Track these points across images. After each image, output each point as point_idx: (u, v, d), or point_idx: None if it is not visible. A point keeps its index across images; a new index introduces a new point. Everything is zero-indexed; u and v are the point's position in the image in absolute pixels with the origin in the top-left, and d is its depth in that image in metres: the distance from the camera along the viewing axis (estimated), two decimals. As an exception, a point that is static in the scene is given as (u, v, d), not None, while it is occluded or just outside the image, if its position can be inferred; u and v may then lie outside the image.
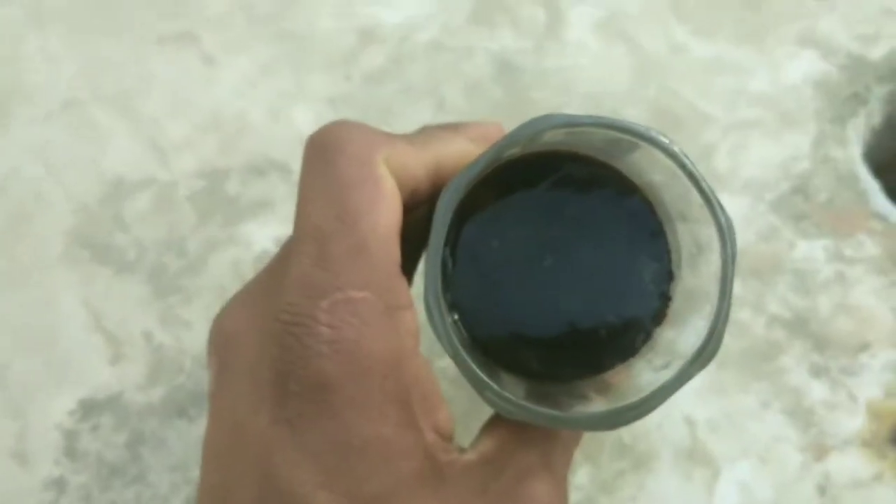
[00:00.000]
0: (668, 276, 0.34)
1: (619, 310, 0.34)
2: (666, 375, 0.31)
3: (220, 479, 0.26)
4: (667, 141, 0.30)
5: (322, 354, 0.25)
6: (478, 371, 0.29)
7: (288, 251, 0.28)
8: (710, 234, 0.32)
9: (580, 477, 0.53)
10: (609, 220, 0.33)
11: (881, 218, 0.62)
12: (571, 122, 0.29)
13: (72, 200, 0.59)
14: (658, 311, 0.34)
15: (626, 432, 0.54)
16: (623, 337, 0.33)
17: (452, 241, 0.31)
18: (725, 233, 0.31)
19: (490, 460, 0.29)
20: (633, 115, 0.68)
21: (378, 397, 0.26)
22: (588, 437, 0.54)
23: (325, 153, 0.28)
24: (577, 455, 0.53)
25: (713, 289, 0.32)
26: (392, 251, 0.27)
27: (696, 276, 0.33)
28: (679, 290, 0.34)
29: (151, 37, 0.66)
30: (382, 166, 0.28)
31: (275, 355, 0.25)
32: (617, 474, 0.53)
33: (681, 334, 0.33)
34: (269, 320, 0.26)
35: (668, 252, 0.34)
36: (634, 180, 0.33)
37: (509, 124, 0.31)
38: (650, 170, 0.32)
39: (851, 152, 0.67)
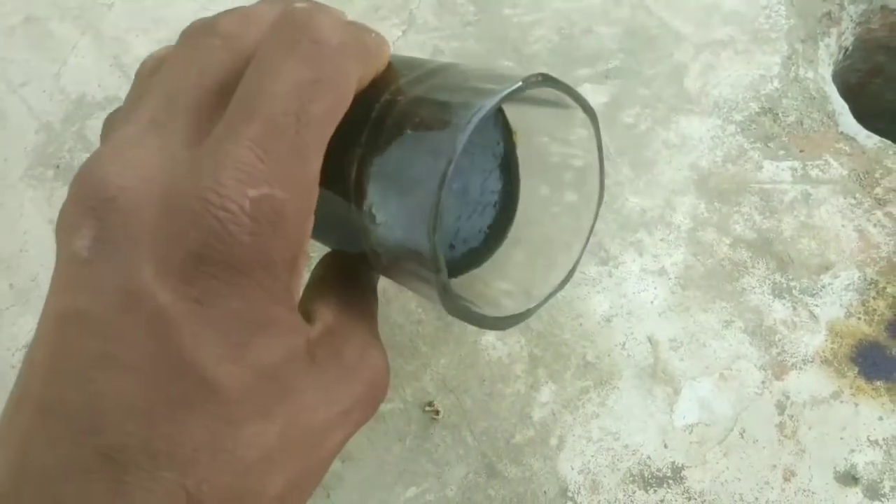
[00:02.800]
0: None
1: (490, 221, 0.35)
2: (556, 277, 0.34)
3: (101, 346, 0.24)
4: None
5: (243, 244, 0.25)
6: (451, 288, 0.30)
7: (227, 127, 0.26)
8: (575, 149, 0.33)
9: (544, 395, 0.52)
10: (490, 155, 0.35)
11: (849, 139, 0.61)
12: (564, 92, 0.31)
13: (34, 119, 0.57)
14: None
15: (590, 351, 0.53)
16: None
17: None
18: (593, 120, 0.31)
19: (333, 331, 0.30)
20: (607, 33, 0.66)
21: (280, 285, 0.27)
22: (553, 357, 0.53)
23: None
24: (542, 373, 0.53)
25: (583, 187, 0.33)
26: (320, 159, 0.28)
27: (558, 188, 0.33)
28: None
29: (113, -50, 0.62)
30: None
31: (190, 235, 0.25)
32: (580, 392, 0.52)
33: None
34: (186, 196, 0.25)
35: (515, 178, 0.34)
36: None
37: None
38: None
39: (822, 72, 0.64)
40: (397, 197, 0.29)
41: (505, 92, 0.28)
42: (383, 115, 0.30)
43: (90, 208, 0.26)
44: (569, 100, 0.31)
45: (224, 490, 0.25)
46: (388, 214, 0.29)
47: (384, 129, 0.29)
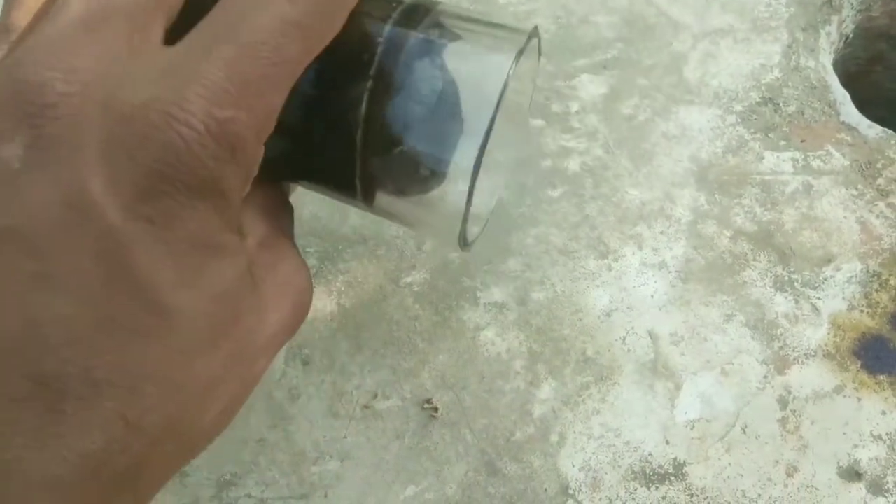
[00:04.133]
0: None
1: None
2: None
3: (37, 266, 0.22)
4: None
5: (205, 167, 0.23)
6: None
7: (196, 44, 0.24)
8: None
9: (544, 391, 0.51)
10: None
11: (850, 129, 0.59)
12: None
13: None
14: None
15: (590, 346, 0.52)
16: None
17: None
18: None
19: (265, 247, 0.29)
20: (604, 22, 0.64)
21: (232, 211, 0.25)
22: (552, 352, 0.52)
23: None
24: (541, 369, 0.51)
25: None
26: (285, 95, 0.26)
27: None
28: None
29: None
30: None
31: (148, 150, 0.22)
32: (581, 388, 0.51)
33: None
34: (143, 108, 0.23)
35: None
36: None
37: None
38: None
39: (823, 61, 0.63)
40: (430, 125, 0.28)
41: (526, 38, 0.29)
42: (396, 47, 0.29)
43: (25, 115, 0.23)
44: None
45: (164, 420, 0.24)
46: (415, 140, 0.28)
47: (403, 62, 0.28)
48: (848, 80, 0.74)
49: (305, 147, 0.29)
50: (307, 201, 0.58)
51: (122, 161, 0.22)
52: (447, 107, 0.29)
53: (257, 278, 0.27)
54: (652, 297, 0.54)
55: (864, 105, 0.72)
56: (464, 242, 0.31)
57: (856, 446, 0.49)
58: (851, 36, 0.70)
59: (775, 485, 0.48)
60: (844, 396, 0.50)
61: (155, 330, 0.23)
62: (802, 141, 0.59)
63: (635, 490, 0.48)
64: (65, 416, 0.22)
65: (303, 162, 0.30)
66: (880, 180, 0.57)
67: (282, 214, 0.30)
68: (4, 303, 0.22)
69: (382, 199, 0.31)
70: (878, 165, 0.58)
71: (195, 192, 0.23)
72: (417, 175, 0.30)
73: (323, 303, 0.54)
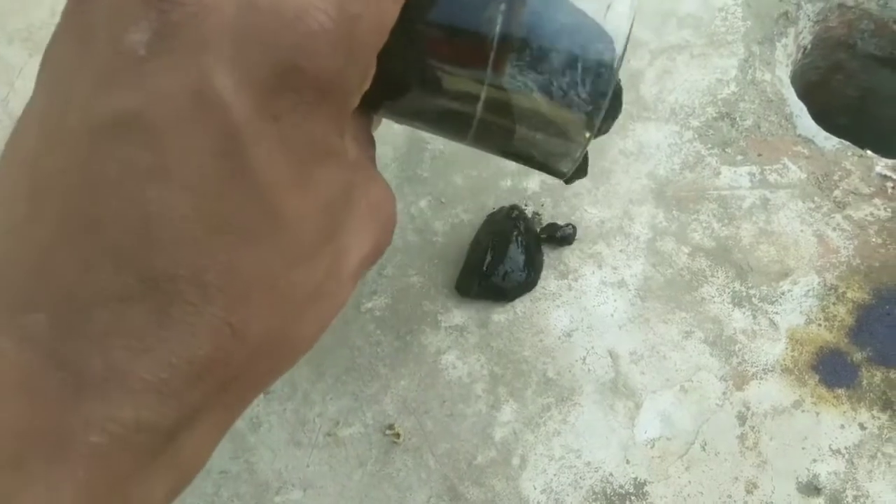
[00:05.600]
0: None
1: None
2: None
3: (155, 158, 0.21)
4: None
5: (335, 65, 0.22)
6: None
7: None
8: None
9: (505, 413, 0.51)
10: None
11: (807, 141, 0.59)
12: None
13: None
14: None
15: (550, 367, 0.52)
16: None
17: None
18: None
19: (360, 168, 0.28)
20: (561, 41, 0.64)
21: (346, 115, 0.24)
22: (513, 374, 0.52)
23: None
24: (502, 392, 0.51)
25: None
26: (400, 5, 0.26)
27: None
28: None
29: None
30: None
31: (282, 45, 0.21)
32: (542, 409, 0.51)
33: None
34: (278, 2, 0.21)
35: None
36: None
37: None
38: None
39: (779, 74, 0.63)
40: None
41: None
42: None
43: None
44: None
45: (267, 331, 0.23)
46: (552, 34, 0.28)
47: None
48: (809, 90, 0.74)
49: (415, 64, 0.28)
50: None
51: (252, 55, 0.21)
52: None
53: (352, 197, 0.26)
54: (612, 315, 0.54)
55: (826, 113, 0.72)
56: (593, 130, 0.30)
57: (815, 461, 0.49)
58: (809, 47, 0.70)
59: (735, 502, 0.48)
60: (803, 411, 0.50)
61: (266, 234, 0.22)
62: (759, 155, 0.59)
63: (596, 511, 0.48)
64: (172, 320, 0.21)
65: (408, 81, 0.28)
66: (837, 192, 0.57)
67: (370, 145, 0.29)
68: (119, 195, 0.21)
69: (519, 97, 0.30)
70: (835, 177, 0.58)
71: (320, 92, 0.22)
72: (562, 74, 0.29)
73: (285, 330, 0.54)
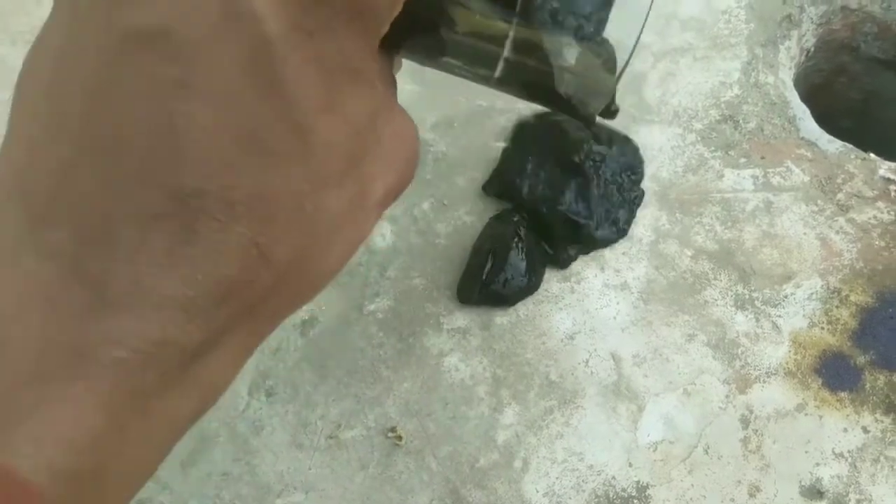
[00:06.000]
0: None
1: None
2: None
3: (183, 73, 0.20)
4: None
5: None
6: None
7: None
8: None
9: (508, 416, 0.51)
10: None
11: (810, 144, 0.59)
12: None
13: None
14: None
15: (553, 370, 0.52)
16: None
17: None
18: None
19: (385, 96, 0.27)
20: (564, 44, 0.64)
21: (376, 35, 0.24)
22: (516, 377, 0.52)
23: None
24: (505, 394, 0.51)
25: None
26: None
27: None
28: None
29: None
30: None
31: None
32: (544, 412, 0.51)
33: None
34: None
35: None
36: None
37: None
38: None
39: (783, 77, 0.63)
40: None
41: None
42: None
43: None
44: None
45: (293, 255, 0.23)
46: None
47: None
48: (812, 92, 0.74)
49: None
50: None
51: None
52: None
53: (378, 125, 0.25)
54: (615, 318, 0.54)
55: (830, 116, 0.72)
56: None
57: (817, 465, 0.48)
58: (813, 49, 0.70)
59: (738, 505, 0.47)
60: (806, 414, 0.50)
61: (295, 153, 0.22)
62: (762, 158, 0.58)
63: (598, 514, 0.48)
64: (198, 238, 0.21)
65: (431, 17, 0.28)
66: (840, 195, 0.57)
67: (393, 84, 0.29)
68: (145, 110, 0.20)
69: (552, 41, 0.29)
70: (838, 180, 0.58)
71: (354, 10, 0.22)
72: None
73: (286, 332, 0.54)
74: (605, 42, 0.29)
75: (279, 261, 0.23)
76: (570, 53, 0.29)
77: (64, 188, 0.21)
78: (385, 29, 0.24)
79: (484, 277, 0.52)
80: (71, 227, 0.21)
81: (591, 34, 0.28)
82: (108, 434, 0.21)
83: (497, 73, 0.30)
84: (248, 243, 0.22)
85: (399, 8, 0.24)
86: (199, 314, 0.22)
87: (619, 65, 0.30)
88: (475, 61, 0.30)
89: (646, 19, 0.29)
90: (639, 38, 0.29)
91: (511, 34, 0.28)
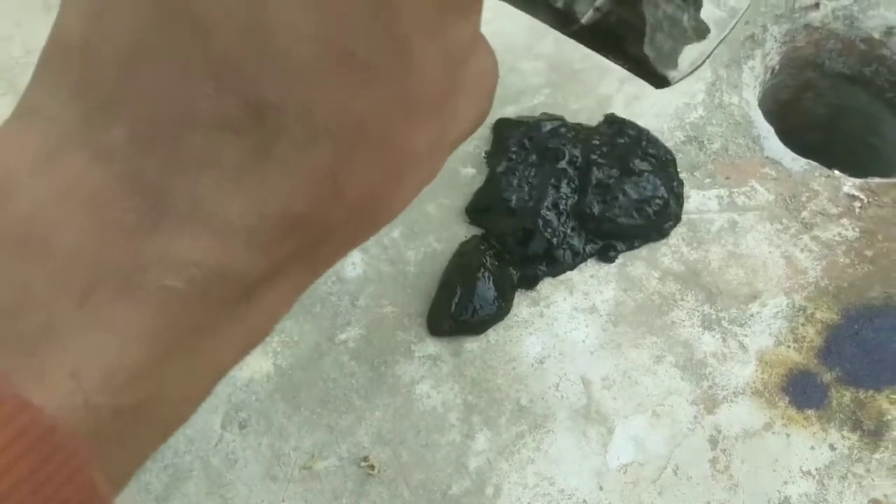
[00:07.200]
0: None
1: None
2: None
3: None
4: None
5: None
6: None
7: None
8: None
9: (480, 442, 0.51)
10: None
11: (774, 163, 0.60)
12: None
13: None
14: None
15: (524, 395, 0.52)
16: None
17: None
18: None
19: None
20: (530, 68, 0.65)
21: None
22: (487, 403, 0.52)
23: None
24: (476, 420, 0.51)
25: None
26: None
27: None
28: None
29: None
30: None
31: None
32: (516, 437, 0.51)
33: None
34: None
35: None
36: None
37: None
38: None
39: (746, 96, 0.64)
40: None
41: None
42: None
43: None
44: None
45: (369, 189, 0.21)
46: None
47: None
48: (780, 108, 0.75)
49: None
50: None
51: None
52: None
53: (470, 57, 0.23)
54: (584, 341, 0.54)
55: (798, 131, 0.73)
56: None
57: (786, 483, 0.49)
58: (778, 67, 0.70)
59: (707, 526, 0.48)
60: (773, 433, 0.50)
61: (392, 76, 0.19)
62: (727, 178, 0.59)
63: (570, 539, 0.48)
64: (272, 161, 0.19)
65: None
66: (805, 213, 0.57)
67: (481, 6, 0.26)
68: (223, 2, 0.17)
69: None
70: (803, 198, 0.58)
71: None
72: None
73: (259, 363, 0.54)
74: (699, 5, 0.27)
75: (353, 197, 0.20)
76: (668, 14, 0.27)
77: (131, 73, 0.18)
78: None
79: (452, 310, 0.53)
80: (131, 124, 0.18)
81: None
82: (151, 371, 0.19)
83: (584, 20, 0.28)
84: (326, 174, 0.19)
85: None
86: (261, 246, 0.19)
87: (721, 33, 0.28)
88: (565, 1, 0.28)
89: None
90: (746, 9, 0.27)
91: None
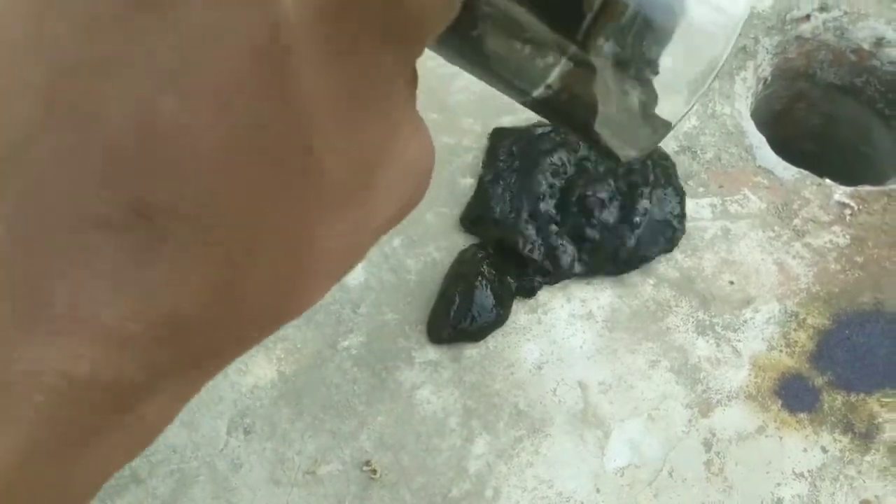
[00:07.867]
0: None
1: None
2: None
3: (177, 49, 0.16)
4: None
5: None
6: None
7: None
8: None
9: (479, 446, 0.52)
10: None
11: (766, 171, 0.61)
12: None
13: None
14: None
15: (522, 400, 0.53)
16: None
17: None
18: None
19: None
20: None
21: (415, 55, 0.19)
22: (486, 408, 0.53)
23: None
24: (476, 425, 0.53)
25: None
26: None
27: None
28: None
29: None
30: None
31: None
32: (514, 441, 0.52)
33: None
34: None
35: None
36: None
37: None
38: None
39: (738, 107, 0.65)
40: None
41: None
42: None
43: None
44: None
45: (271, 293, 0.19)
46: None
47: None
48: (774, 118, 0.76)
49: None
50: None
51: None
52: None
53: (394, 147, 0.20)
54: (581, 347, 0.55)
55: (791, 140, 0.74)
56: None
57: (778, 485, 0.50)
58: (770, 78, 0.72)
59: (702, 527, 0.49)
60: (766, 436, 0.51)
61: (300, 172, 0.17)
62: (720, 187, 0.60)
63: (568, 540, 0.49)
64: (158, 263, 0.17)
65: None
66: (796, 221, 0.59)
67: (415, 81, 0.22)
68: (124, 85, 0.16)
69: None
70: (794, 206, 0.59)
71: (393, 26, 0.17)
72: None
73: (263, 370, 0.55)
74: (652, 86, 0.27)
75: (253, 300, 0.18)
76: (622, 95, 0.27)
77: (15, 168, 0.16)
78: (425, 44, 0.19)
79: (451, 318, 0.54)
80: (10, 224, 0.16)
81: (647, 79, 0.27)
82: (22, 483, 0.17)
83: (535, 94, 0.28)
84: (220, 279, 0.17)
85: (452, 16, 0.19)
86: (140, 354, 0.17)
87: (675, 117, 0.28)
88: (515, 75, 0.28)
89: (713, 76, 0.27)
90: (708, 85, 0.27)
91: (561, 63, 0.26)
